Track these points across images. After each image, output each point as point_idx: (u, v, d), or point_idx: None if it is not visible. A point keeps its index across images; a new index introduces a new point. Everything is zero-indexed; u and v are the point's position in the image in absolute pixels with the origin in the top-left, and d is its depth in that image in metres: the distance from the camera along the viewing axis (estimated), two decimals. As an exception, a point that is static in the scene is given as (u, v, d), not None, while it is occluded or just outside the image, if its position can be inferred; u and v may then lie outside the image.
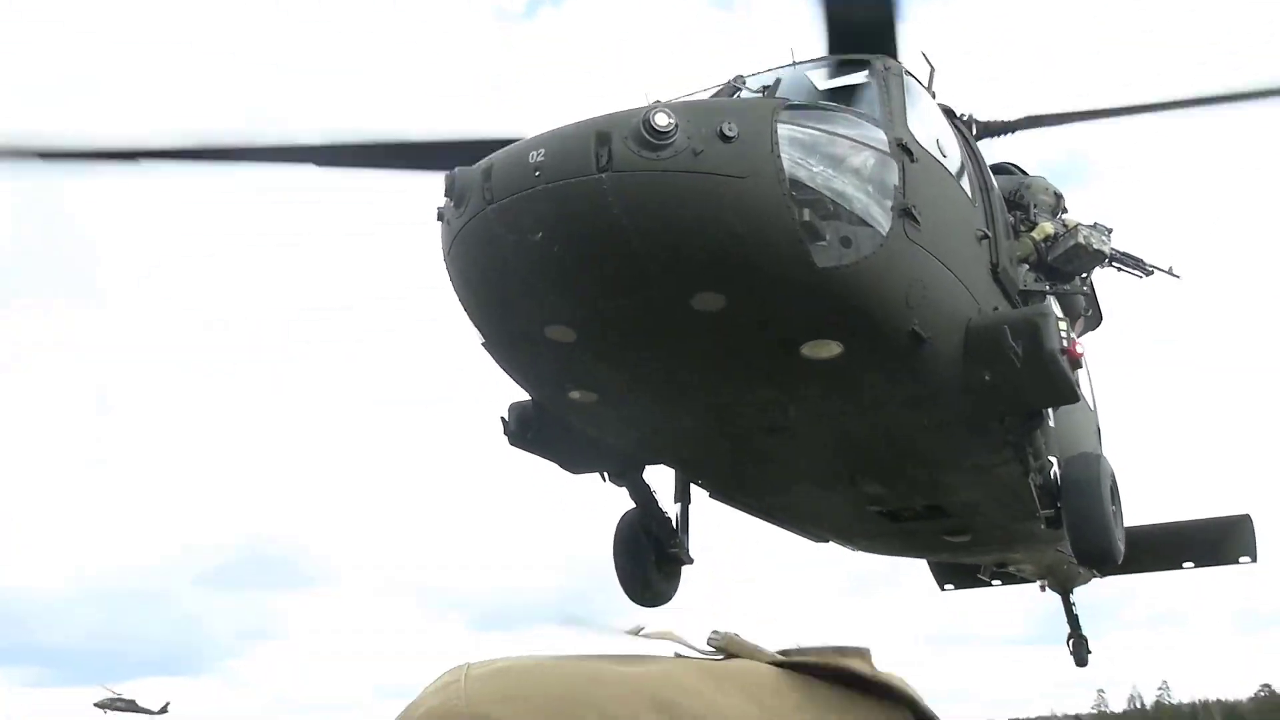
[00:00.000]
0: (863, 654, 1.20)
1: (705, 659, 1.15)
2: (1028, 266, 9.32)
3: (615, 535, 9.56)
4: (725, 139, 5.75)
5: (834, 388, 6.92)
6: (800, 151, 5.96)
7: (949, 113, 9.32)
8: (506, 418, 8.35)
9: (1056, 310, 9.54)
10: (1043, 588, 14.76)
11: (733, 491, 9.77)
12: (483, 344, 7.01)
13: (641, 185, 5.65)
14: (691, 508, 9.71)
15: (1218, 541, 11.81)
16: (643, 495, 9.33)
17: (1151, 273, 10.80)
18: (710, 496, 9.72)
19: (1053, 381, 7.27)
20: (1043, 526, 8.80)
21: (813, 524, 10.84)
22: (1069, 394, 7.58)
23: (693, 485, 9.66)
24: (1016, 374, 6.94)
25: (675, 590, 9.72)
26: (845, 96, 7.59)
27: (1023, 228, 9.65)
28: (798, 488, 9.25)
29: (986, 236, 7.94)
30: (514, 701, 0.99)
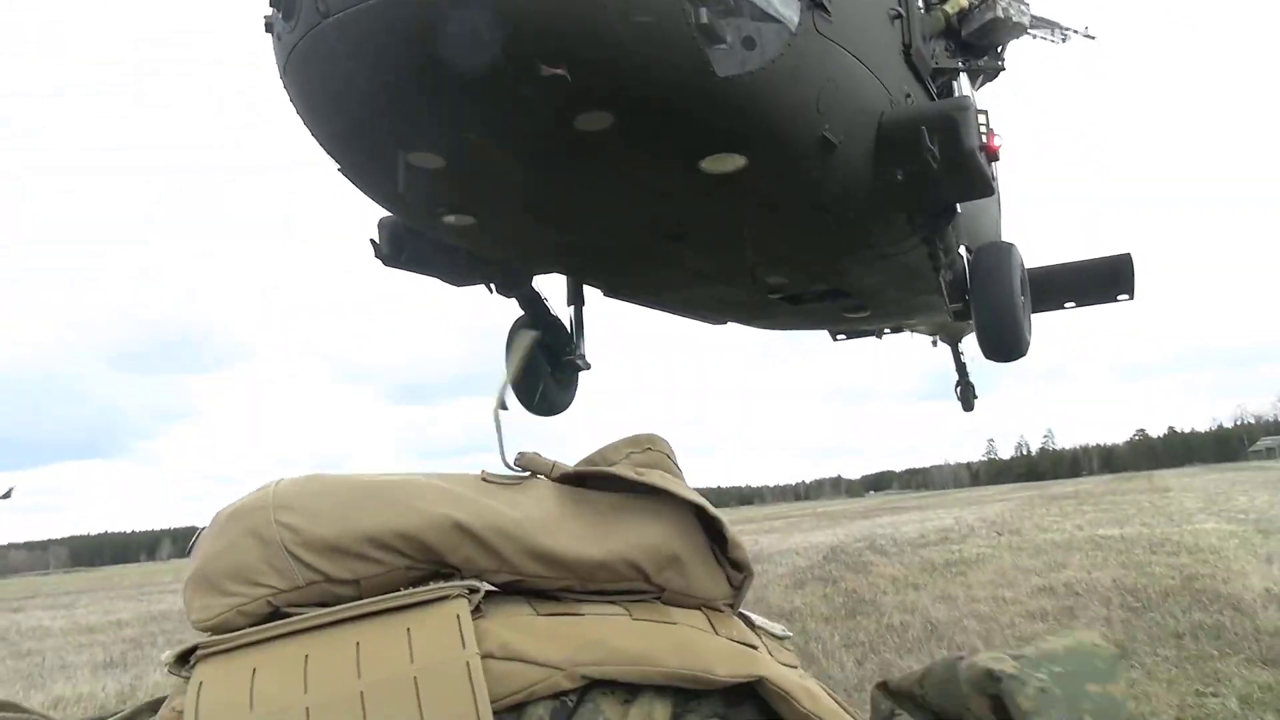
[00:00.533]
0: (650, 441, 1.26)
1: (510, 477, 1.20)
2: (939, 39, 8.58)
3: (507, 345, 9.10)
4: None
5: (736, 198, 6.36)
6: None
7: None
8: (377, 238, 7.57)
9: (972, 94, 9.00)
10: (934, 342, 15.19)
11: (629, 291, 9.38)
12: (338, 169, 6.20)
13: None
14: (586, 310, 9.28)
15: (1098, 281, 11.92)
16: (533, 303, 8.85)
17: (1068, 37, 10.30)
18: (605, 295, 9.33)
19: (970, 178, 6.87)
20: (950, 318, 8.62)
21: (712, 311, 10.61)
22: (985, 189, 7.19)
23: (585, 287, 9.22)
24: (932, 172, 6.48)
25: (572, 399, 9.46)
26: None
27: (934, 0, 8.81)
28: (697, 283, 8.86)
29: (899, 15, 7.20)
30: (316, 495, 1.09)
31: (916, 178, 6.57)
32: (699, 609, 1.17)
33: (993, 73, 10.22)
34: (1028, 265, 11.95)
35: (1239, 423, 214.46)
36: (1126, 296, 11.48)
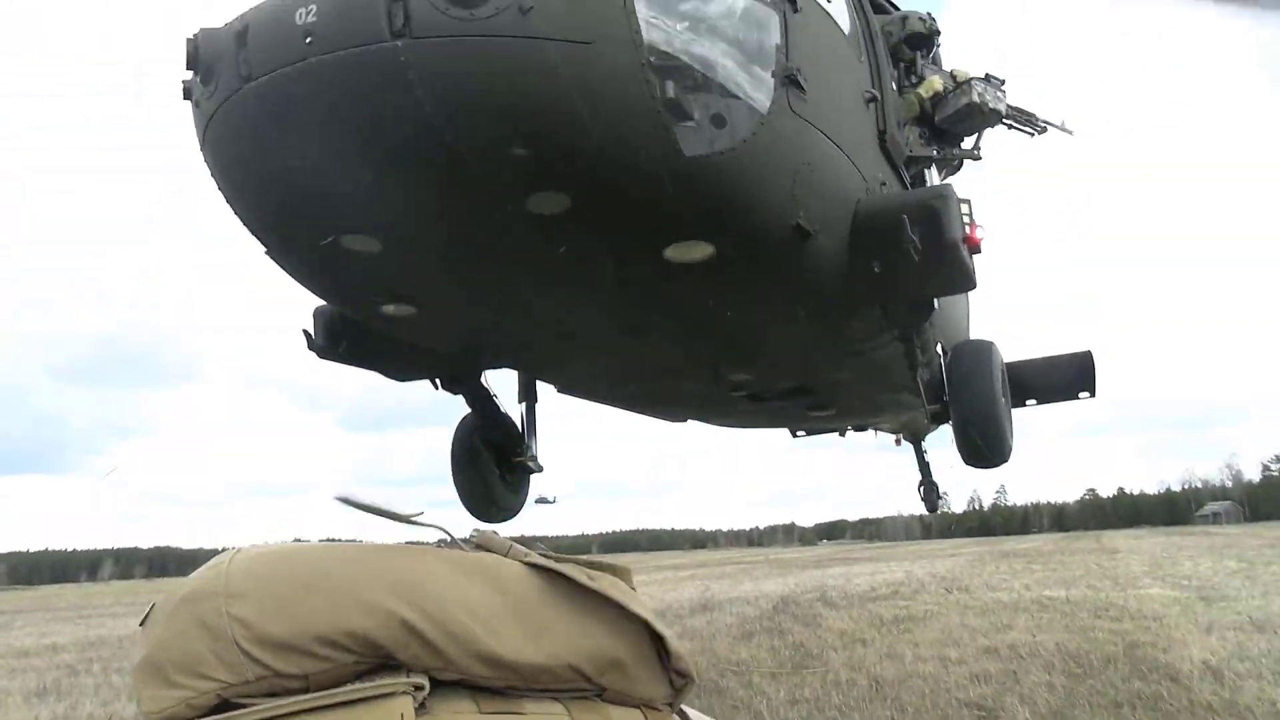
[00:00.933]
0: (616, 570, 1.28)
1: (461, 552, 1.23)
2: (913, 126, 8.26)
3: (453, 448, 8.66)
4: None
5: (702, 288, 5.95)
6: (660, 6, 4.75)
7: None
8: (311, 330, 6.92)
9: (951, 183, 8.50)
10: (898, 441, 14.87)
11: (584, 388, 8.89)
12: (265, 252, 5.62)
13: (452, 56, 4.28)
14: (539, 406, 8.72)
15: (1060, 379, 11.96)
16: (481, 400, 8.29)
17: (1045, 129, 9.84)
18: (559, 392, 8.84)
19: (952, 272, 6.48)
20: (926, 420, 8.23)
21: (671, 407, 10.16)
22: (967, 283, 6.76)
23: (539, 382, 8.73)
24: (911, 265, 6.06)
25: (523, 503, 8.99)
26: None
27: (908, 82, 8.52)
28: (656, 379, 8.45)
29: (874, 99, 6.89)
30: (266, 581, 1.10)
31: (894, 270, 6.17)
32: (639, 707, 1.22)
33: (965, 163, 9.92)
34: None
35: (1187, 486, 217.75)
36: (1088, 394, 11.56)
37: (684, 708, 1.31)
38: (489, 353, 7.50)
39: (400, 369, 7.55)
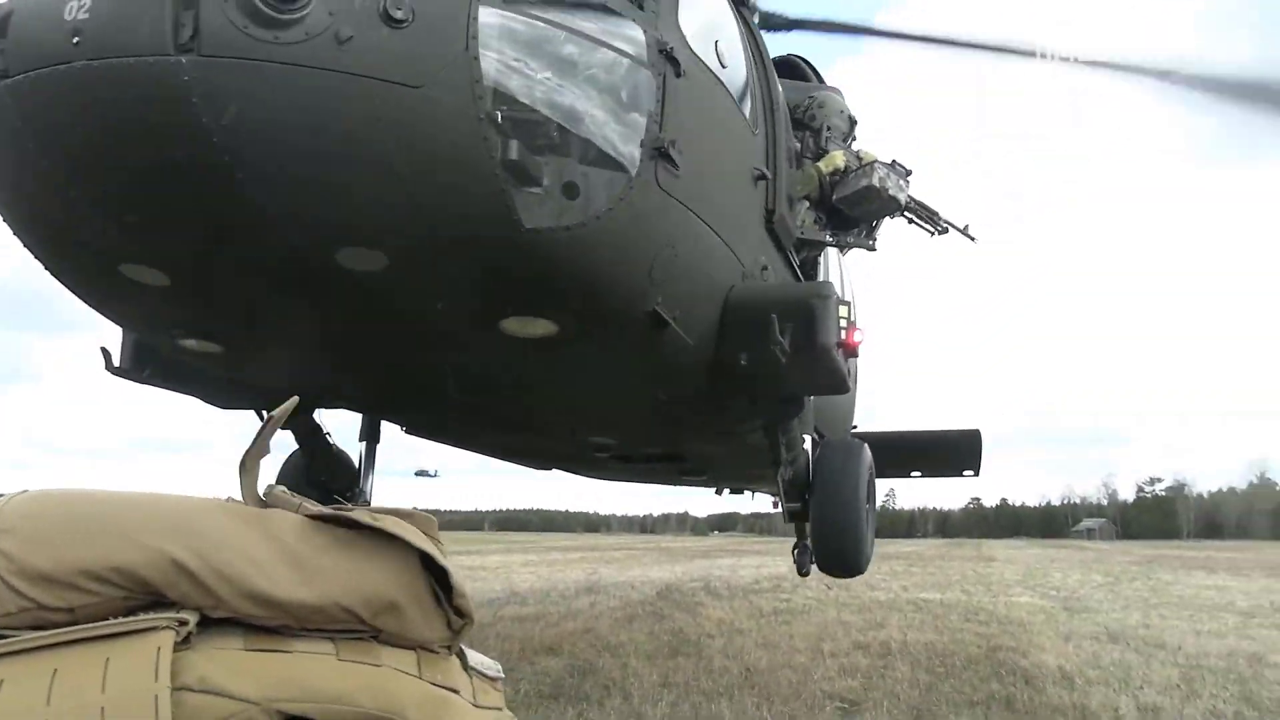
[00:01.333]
0: (414, 518, 1.30)
1: (241, 505, 1.24)
2: (808, 203, 7.78)
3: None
4: (392, 21, 3.69)
5: (546, 364, 5.42)
6: (511, 51, 4.04)
7: (737, 2, 7.04)
8: (117, 349, 5.95)
9: (836, 277, 8.41)
10: (775, 504, 14.69)
11: (430, 432, 8.29)
12: (47, 270, 4.69)
13: (247, 81, 3.52)
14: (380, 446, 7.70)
15: (947, 454, 12.08)
16: (312, 437, 7.41)
17: (946, 230, 9.45)
18: (405, 433, 8.13)
19: (823, 376, 6.10)
20: (784, 519, 7.69)
21: (530, 459, 9.83)
22: (839, 387, 6.37)
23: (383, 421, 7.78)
24: (780, 364, 5.63)
25: None
26: None
27: (808, 155, 8.01)
28: (510, 432, 7.88)
29: (764, 177, 6.35)
30: (36, 519, 1.11)
31: (761, 367, 5.71)
32: (413, 650, 1.26)
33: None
34: (878, 429, 12.02)
35: (1066, 501, 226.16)
36: (972, 473, 11.86)
37: (463, 648, 1.35)
38: (313, 394, 6.49)
39: (219, 397, 6.69)
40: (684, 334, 5.21)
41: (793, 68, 9.31)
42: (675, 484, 12.32)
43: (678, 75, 4.76)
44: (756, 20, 7.63)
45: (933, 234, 9.40)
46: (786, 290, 6.33)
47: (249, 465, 1.30)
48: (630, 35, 4.56)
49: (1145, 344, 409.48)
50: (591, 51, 4.36)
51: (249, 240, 4.02)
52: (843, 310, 6.04)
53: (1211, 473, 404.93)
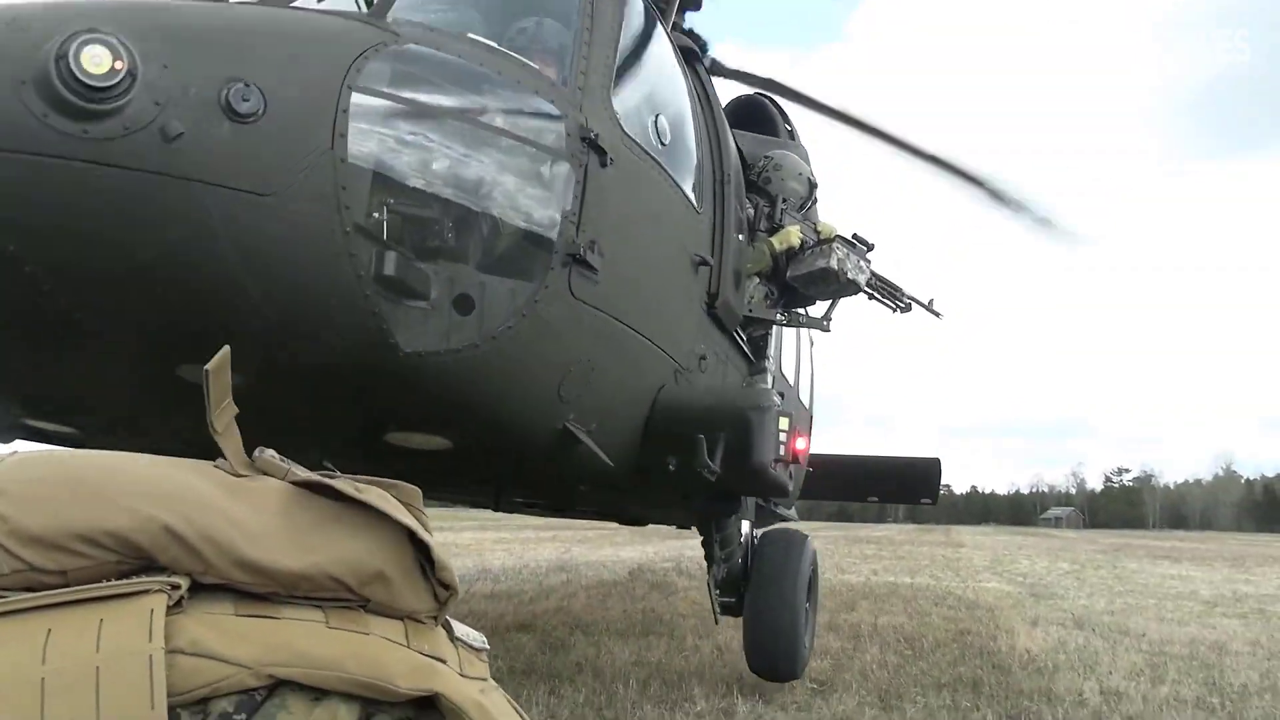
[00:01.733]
0: (399, 489, 1.31)
1: (226, 473, 1.23)
2: (758, 279, 7.23)
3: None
4: (235, 115, 3.04)
5: (445, 470, 4.91)
6: (391, 145, 3.42)
7: (689, 54, 6.41)
8: None
9: (791, 350, 8.46)
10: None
11: None
12: None
13: (47, 182, 2.86)
14: None
15: (906, 481, 12.08)
16: None
17: (909, 308, 8.93)
18: None
19: (760, 488, 5.78)
20: (714, 611, 6.88)
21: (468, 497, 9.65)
22: (779, 494, 6.03)
23: None
24: (710, 480, 5.25)
25: None
26: (511, 23, 4.57)
27: (760, 227, 7.34)
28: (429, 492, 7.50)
29: (706, 264, 5.82)
30: (28, 480, 1.11)
31: (691, 479, 5.25)
32: (401, 619, 1.26)
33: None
34: (842, 451, 11.88)
35: (1035, 489, 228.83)
36: (929, 501, 11.94)
37: (449, 620, 1.36)
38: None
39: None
40: (599, 451, 4.62)
41: (757, 109, 8.65)
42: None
43: (603, 165, 4.21)
44: (709, 64, 7.11)
45: (894, 310, 8.93)
46: (722, 398, 5.77)
47: (221, 428, 1.26)
48: (546, 121, 4.00)
49: (1117, 337, 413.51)
50: (495, 141, 3.78)
51: (62, 350, 3.39)
52: (783, 423, 5.48)
53: (1179, 464, 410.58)
